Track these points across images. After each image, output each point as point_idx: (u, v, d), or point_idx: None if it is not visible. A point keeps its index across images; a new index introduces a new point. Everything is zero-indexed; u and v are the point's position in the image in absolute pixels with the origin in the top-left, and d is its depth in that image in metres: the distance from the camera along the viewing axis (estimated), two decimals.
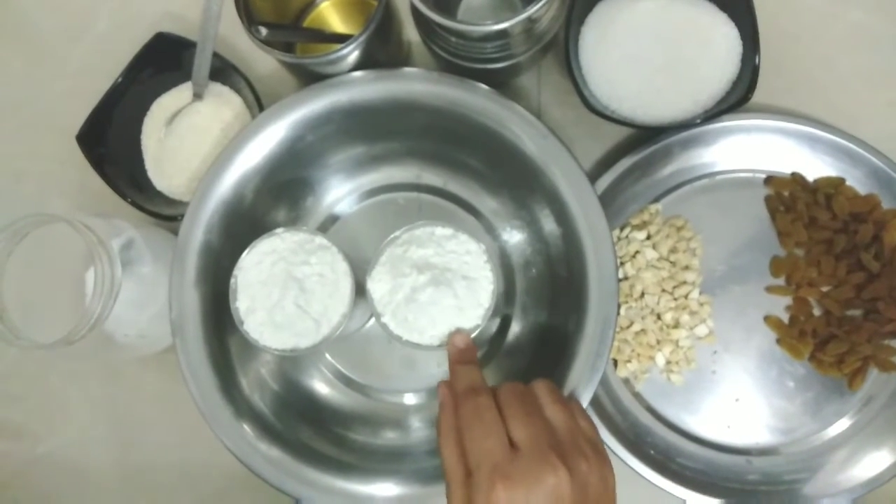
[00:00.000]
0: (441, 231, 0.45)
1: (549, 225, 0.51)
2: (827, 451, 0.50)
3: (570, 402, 0.40)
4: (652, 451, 0.51)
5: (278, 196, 0.54)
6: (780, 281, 0.52)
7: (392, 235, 0.45)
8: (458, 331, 0.43)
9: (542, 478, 0.34)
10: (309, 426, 0.52)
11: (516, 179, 0.51)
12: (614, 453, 0.50)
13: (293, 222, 0.56)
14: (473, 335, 0.44)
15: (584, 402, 0.45)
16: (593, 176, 0.53)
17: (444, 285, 0.43)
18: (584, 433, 0.37)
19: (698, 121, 0.49)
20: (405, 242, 0.45)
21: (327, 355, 0.56)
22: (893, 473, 0.48)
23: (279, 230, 0.45)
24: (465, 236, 0.45)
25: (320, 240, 0.46)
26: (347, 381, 0.55)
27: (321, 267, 0.45)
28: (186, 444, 0.55)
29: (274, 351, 0.44)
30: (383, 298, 0.44)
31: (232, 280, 0.44)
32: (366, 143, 0.54)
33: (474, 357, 0.42)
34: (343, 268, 0.45)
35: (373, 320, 0.53)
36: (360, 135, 0.53)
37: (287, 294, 0.44)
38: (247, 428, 0.48)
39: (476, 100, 0.48)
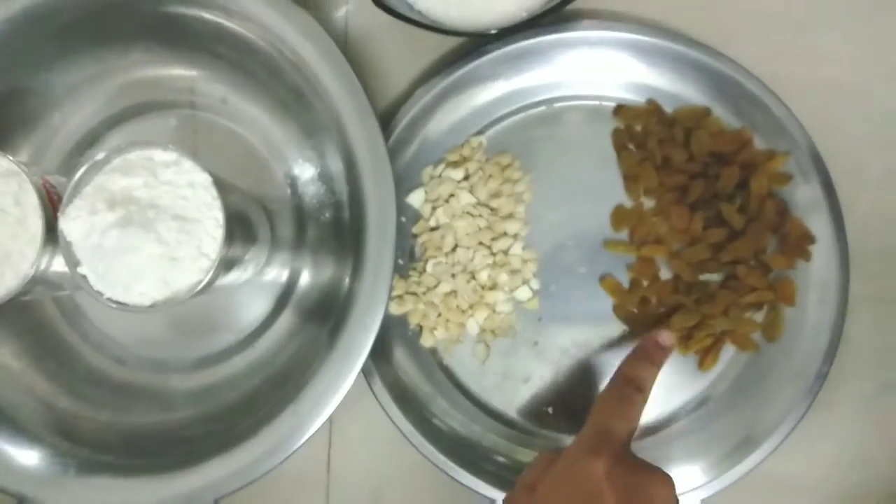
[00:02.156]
0: (161, 156, 0.35)
1: (333, 158, 0.41)
2: (638, 451, 0.41)
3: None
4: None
5: (6, 110, 0.43)
6: (623, 235, 0.42)
7: (96, 158, 0.34)
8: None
9: (652, 473, 0.33)
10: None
11: (297, 96, 0.41)
12: (409, 440, 0.41)
13: (37, 146, 0.45)
14: (196, 290, 0.34)
15: (358, 364, 0.37)
16: (405, 97, 0.43)
17: (137, 227, 0.33)
18: None
19: (495, 29, 0.38)
20: (112, 169, 0.34)
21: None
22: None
23: None
24: (191, 164, 0.35)
25: (8, 164, 0.35)
26: (99, 346, 0.45)
27: (1, 198, 0.34)
28: None
29: None
30: (80, 243, 0.34)
31: None
32: (117, 44, 0.43)
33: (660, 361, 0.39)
34: (32, 201, 0.35)
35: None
36: (106, 32, 0.42)
37: None
38: None
39: None
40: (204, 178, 0.34)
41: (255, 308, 0.44)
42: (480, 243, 0.42)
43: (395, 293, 0.43)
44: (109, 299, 0.34)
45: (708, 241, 0.41)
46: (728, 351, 0.43)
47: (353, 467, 0.44)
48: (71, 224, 0.34)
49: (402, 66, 0.45)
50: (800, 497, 0.44)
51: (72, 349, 0.45)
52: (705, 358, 0.42)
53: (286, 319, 0.44)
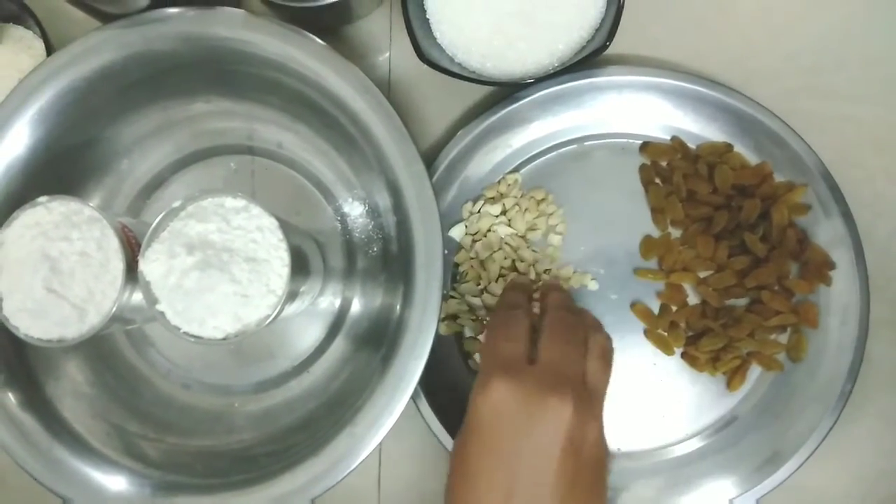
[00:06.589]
0: (232, 202, 0.38)
1: (381, 197, 0.44)
2: (673, 467, 0.43)
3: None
4: None
5: (81, 159, 0.47)
6: (652, 264, 0.45)
7: (173, 206, 0.38)
8: None
9: (546, 396, 0.32)
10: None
11: (348, 141, 0.44)
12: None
13: (108, 190, 0.49)
14: (265, 324, 0.37)
15: (410, 390, 0.40)
16: (445, 139, 0.46)
17: (214, 269, 0.36)
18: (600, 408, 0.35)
19: (531, 79, 0.41)
20: (188, 216, 0.38)
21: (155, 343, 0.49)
22: None
23: (43, 199, 0.38)
24: (258, 209, 0.38)
25: (90, 211, 0.39)
26: (166, 372, 0.49)
27: (85, 243, 0.38)
28: None
29: (37, 342, 0.38)
30: (159, 282, 0.38)
31: None
32: (181, 97, 0.47)
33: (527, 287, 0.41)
34: (114, 245, 0.38)
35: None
36: (171, 87, 0.46)
37: (36, 275, 0.37)
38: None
39: (282, 47, 0.41)
40: (270, 222, 0.38)
41: (309, 336, 0.48)
42: (516, 272, 0.45)
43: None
44: (186, 333, 0.37)
45: (733, 269, 0.44)
46: (755, 371, 0.45)
47: (402, 483, 0.48)
48: (150, 266, 0.38)
49: (442, 109, 0.48)
50: None
51: (141, 376, 0.49)
52: (733, 378, 0.44)
53: (339, 346, 0.47)
